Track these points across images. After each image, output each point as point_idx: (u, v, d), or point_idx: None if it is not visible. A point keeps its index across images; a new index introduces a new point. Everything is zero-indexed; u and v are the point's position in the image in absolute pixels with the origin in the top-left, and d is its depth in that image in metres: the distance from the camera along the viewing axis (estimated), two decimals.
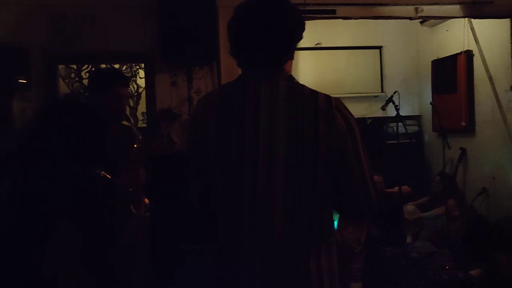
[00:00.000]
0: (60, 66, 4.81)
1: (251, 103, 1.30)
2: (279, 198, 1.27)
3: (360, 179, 1.31)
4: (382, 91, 5.66)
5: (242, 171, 1.29)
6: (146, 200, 2.11)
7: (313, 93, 1.33)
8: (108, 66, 4.77)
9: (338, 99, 1.34)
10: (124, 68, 5.40)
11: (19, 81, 3.28)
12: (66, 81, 4.90)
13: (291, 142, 1.27)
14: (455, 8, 3.79)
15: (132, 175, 2.01)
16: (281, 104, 1.29)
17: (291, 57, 1.41)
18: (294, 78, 1.38)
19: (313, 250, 1.29)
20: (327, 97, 1.32)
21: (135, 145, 2.12)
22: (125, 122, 2.28)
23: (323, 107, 1.29)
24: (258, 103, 1.30)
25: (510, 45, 3.72)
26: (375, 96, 5.58)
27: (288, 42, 1.37)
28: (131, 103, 5.72)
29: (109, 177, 1.45)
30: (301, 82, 1.38)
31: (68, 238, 1.30)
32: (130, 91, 5.55)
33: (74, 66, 4.77)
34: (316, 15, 3.67)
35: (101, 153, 1.48)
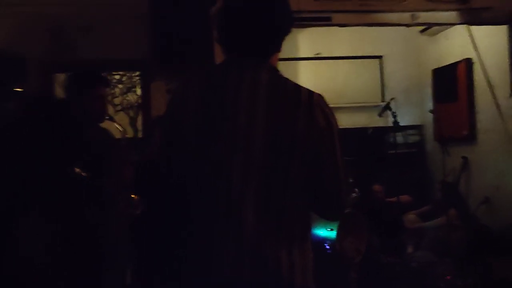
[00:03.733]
0: (61, 78, 4.88)
1: (231, 93, 1.28)
2: (252, 192, 1.24)
3: (333, 177, 1.29)
4: (382, 101, 5.62)
5: (218, 162, 1.27)
6: (134, 197, 2.10)
7: (295, 88, 1.30)
8: (107, 76, 4.82)
9: (320, 96, 1.31)
10: (124, 79, 5.44)
11: (15, 89, 3.30)
12: None
13: (269, 136, 1.25)
14: (452, 15, 3.75)
15: (115, 173, 2.00)
16: (262, 96, 1.27)
17: (277, 49, 1.38)
18: (278, 70, 1.35)
19: (284, 246, 1.26)
20: (309, 93, 1.30)
21: (121, 144, 2.12)
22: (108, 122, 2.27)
23: (304, 103, 1.27)
24: (239, 94, 1.27)
25: (508, 52, 3.68)
26: (376, 106, 5.54)
27: (274, 32, 1.35)
28: (131, 114, 5.75)
29: (84, 174, 1.43)
30: None
31: (36, 231, 1.28)
32: (129, 100, 5.59)
33: None
34: (311, 23, 3.67)
35: (76, 151, 1.46)
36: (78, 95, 2.17)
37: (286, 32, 1.37)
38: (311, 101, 1.27)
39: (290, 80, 1.33)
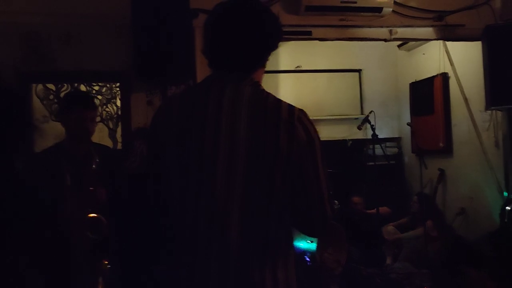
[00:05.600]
0: (39, 88, 4.79)
1: (213, 108, 1.27)
2: (236, 209, 1.23)
3: (316, 193, 1.29)
4: (361, 113, 5.72)
5: (200, 178, 1.26)
6: (104, 220, 2.06)
7: (277, 103, 1.30)
8: (86, 87, 4.76)
9: (301, 110, 1.31)
10: (104, 90, 5.38)
11: None
12: (44, 102, 4.86)
13: (251, 152, 1.24)
14: (428, 31, 3.87)
15: (88, 195, 1.98)
16: (244, 112, 1.26)
17: (262, 65, 1.39)
18: (260, 85, 1.35)
19: (269, 263, 1.25)
20: (290, 107, 1.30)
21: (92, 166, 2.10)
22: None
23: (285, 118, 1.26)
24: (220, 109, 1.27)
25: (482, 66, 3.80)
26: (355, 118, 5.62)
27: (261, 50, 1.35)
28: (111, 125, 5.68)
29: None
30: None
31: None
32: (109, 111, 5.52)
33: (53, 88, 4.74)
34: (292, 37, 3.72)
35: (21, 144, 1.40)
36: (63, 116, 2.22)
37: (273, 48, 1.37)
38: (292, 117, 1.27)
39: (272, 95, 1.32)
